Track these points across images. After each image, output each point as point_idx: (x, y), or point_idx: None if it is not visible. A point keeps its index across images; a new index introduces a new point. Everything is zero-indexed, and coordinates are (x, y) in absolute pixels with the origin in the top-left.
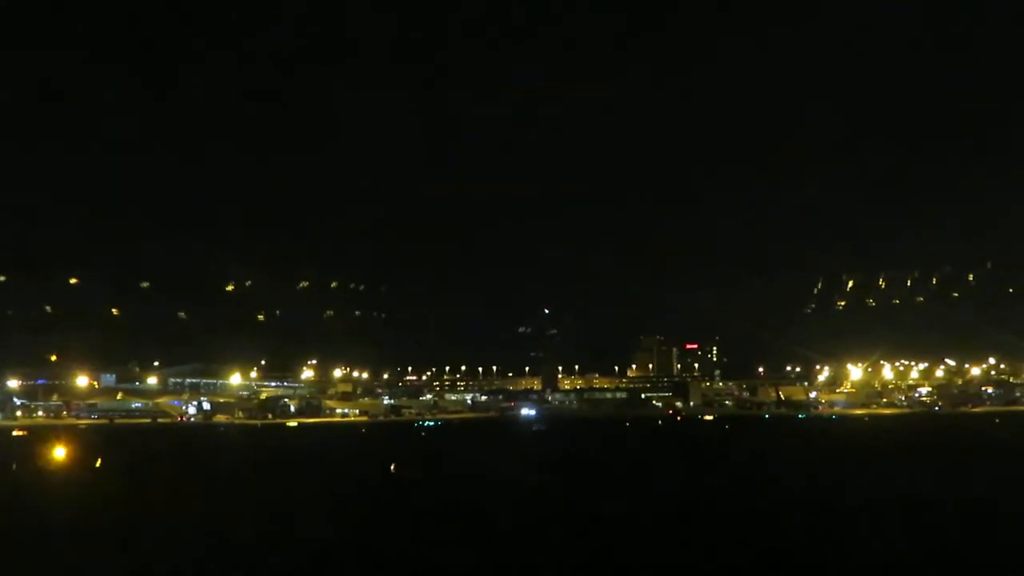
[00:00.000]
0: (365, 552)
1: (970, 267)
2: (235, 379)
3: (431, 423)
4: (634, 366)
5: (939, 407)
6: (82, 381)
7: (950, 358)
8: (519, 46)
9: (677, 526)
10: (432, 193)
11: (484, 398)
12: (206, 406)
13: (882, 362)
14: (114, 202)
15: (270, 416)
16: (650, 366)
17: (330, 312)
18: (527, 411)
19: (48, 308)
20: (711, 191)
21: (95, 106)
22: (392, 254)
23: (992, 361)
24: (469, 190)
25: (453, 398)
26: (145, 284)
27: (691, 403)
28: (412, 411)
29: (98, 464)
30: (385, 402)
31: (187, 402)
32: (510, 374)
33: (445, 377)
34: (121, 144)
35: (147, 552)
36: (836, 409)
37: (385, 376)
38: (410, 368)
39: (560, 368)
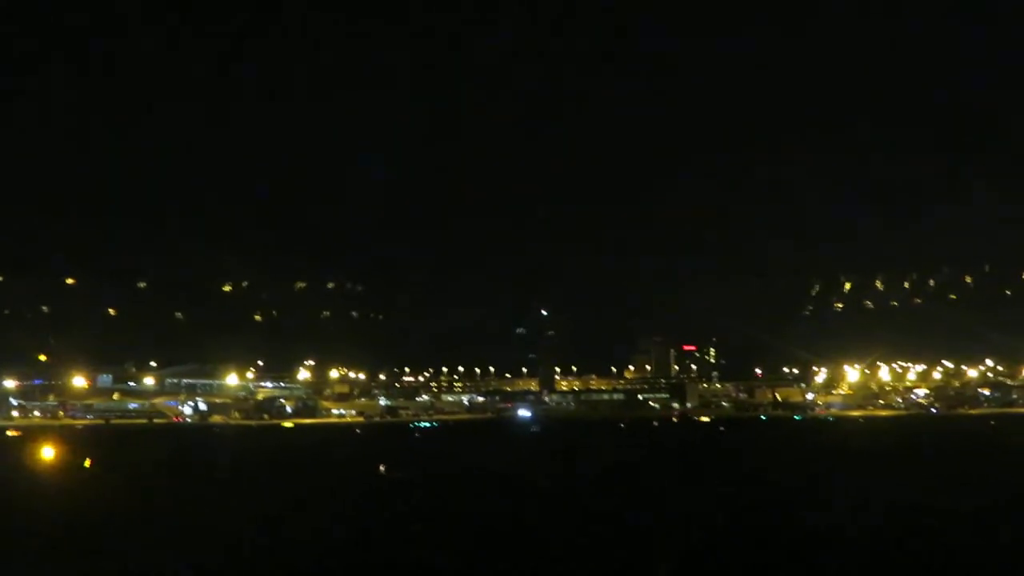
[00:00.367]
0: (342, 553)
1: (968, 269)
2: (231, 380)
3: (426, 424)
4: (632, 367)
5: (936, 409)
6: (78, 381)
7: (947, 360)
8: (519, 46)
9: (662, 530)
10: (431, 193)
11: (481, 399)
12: (202, 407)
13: (879, 364)
14: (112, 202)
15: (266, 417)
16: (648, 367)
17: (327, 313)
18: (524, 412)
19: (44, 308)
20: (711, 191)
21: (92, 106)
22: (390, 254)
23: (989, 363)
24: (467, 190)
25: (450, 399)
26: (142, 284)
27: (688, 404)
28: (408, 412)
29: (87, 464)
30: (381, 403)
31: (183, 403)
32: (507, 375)
33: (442, 378)
34: (120, 144)
35: (128, 554)
36: (833, 411)
37: (382, 377)
38: (407, 369)
39: (557, 369)
